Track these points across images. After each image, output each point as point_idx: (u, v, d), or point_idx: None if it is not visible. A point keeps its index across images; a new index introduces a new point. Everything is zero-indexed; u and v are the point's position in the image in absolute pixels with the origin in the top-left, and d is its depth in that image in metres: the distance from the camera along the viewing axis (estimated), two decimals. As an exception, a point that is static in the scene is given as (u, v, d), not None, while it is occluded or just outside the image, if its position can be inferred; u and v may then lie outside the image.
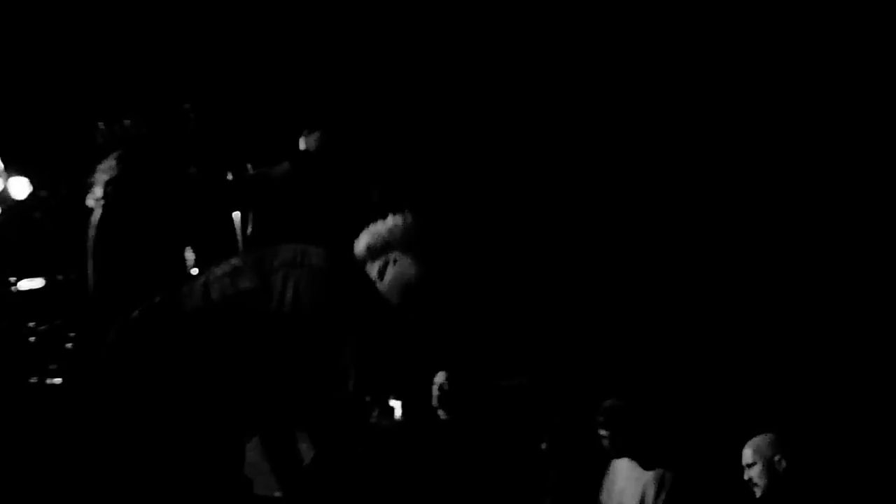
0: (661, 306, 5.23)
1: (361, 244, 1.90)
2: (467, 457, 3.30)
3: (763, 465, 2.68)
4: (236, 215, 2.76)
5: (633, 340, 5.30)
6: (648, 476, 3.05)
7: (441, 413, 3.35)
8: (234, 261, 1.89)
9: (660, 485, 2.97)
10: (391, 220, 1.89)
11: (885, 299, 4.90)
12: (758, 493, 2.69)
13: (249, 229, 2.78)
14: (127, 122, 2.42)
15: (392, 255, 1.86)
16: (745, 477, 2.73)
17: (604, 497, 3.25)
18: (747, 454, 2.74)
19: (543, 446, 3.63)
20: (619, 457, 3.16)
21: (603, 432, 3.14)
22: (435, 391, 3.39)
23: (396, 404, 5.04)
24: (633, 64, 4.93)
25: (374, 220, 1.96)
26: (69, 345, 2.52)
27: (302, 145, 2.63)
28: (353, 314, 1.85)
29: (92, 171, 2.39)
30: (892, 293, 4.88)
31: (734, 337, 5.12)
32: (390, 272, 1.85)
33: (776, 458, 2.68)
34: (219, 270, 1.88)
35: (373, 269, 1.88)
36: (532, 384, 4.84)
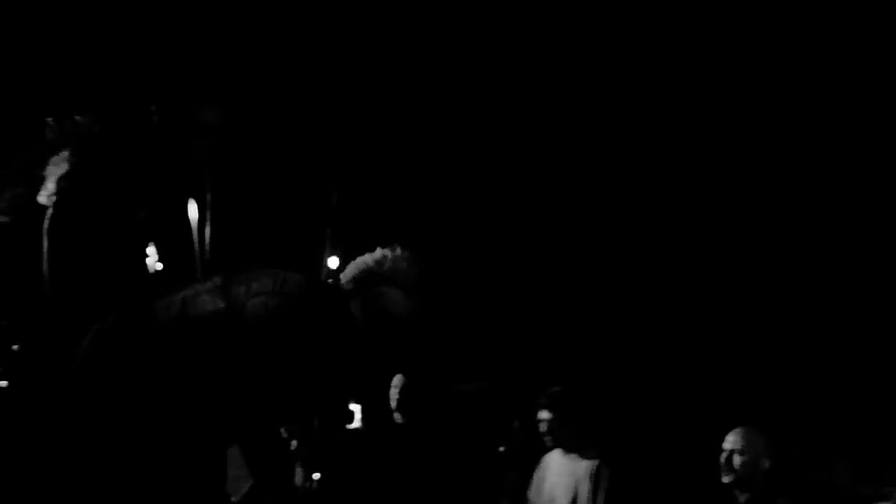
0: (617, 312, 5.30)
1: (348, 274, 1.92)
2: (425, 459, 3.30)
3: (749, 458, 2.70)
4: (193, 215, 2.73)
5: (593, 345, 5.36)
6: (582, 469, 3.04)
7: (397, 416, 3.34)
8: (217, 279, 1.90)
9: (596, 479, 2.96)
10: (379, 253, 1.90)
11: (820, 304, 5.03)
12: (727, 479, 2.73)
13: (207, 230, 2.75)
14: (78, 117, 2.37)
15: (378, 289, 1.86)
16: (722, 458, 2.75)
17: (533, 494, 3.21)
18: (736, 440, 2.76)
19: (502, 449, 3.65)
20: (555, 445, 3.14)
21: (544, 415, 3.12)
22: (393, 394, 3.38)
23: (356, 408, 5.02)
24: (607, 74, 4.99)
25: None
26: (15, 346, 2.46)
27: (202, 119, 2.58)
28: (327, 344, 1.86)
29: (43, 167, 2.34)
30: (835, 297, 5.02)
31: (684, 339, 5.22)
32: (375, 305, 1.86)
33: (764, 457, 2.71)
34: (200, 287, 1.89)
35: (357, 301, 1.89)
36: (493, 388, 4.86)
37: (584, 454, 3.07)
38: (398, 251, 1.90)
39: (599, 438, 3.14)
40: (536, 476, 3.22)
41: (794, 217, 5.21)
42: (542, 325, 5.42)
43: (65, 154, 2.34)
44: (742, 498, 2.70)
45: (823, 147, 5.02)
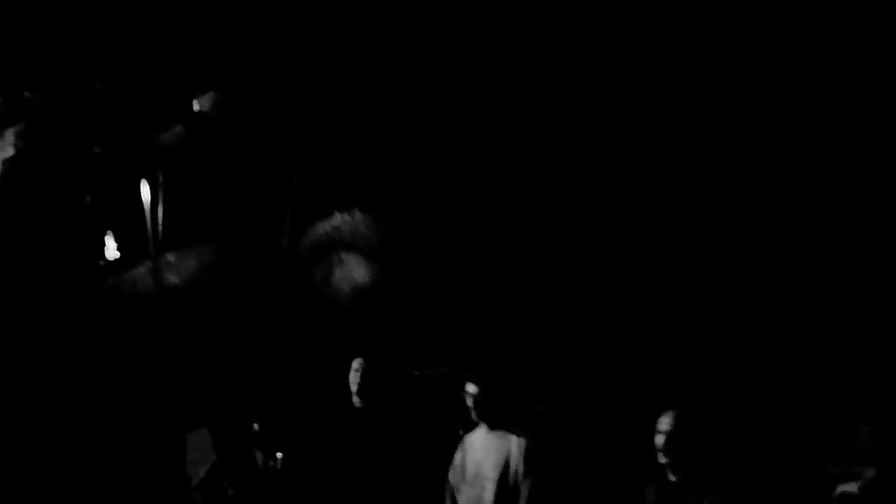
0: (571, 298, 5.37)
1: (305, 243, 1.86)
2: (384, 443, 3.30)
3: (685, 439, 2.71)
4: (146, 197, 2.68)
5: (552, 331, 5.42)
6: (511, 446, 2.99)
7: (356, 400, 3.33)
8: (168, 256, 1.85)
9: (528, 456, 2.94)
10: (336, 218, 1.83)
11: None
12: (664, 460, 2.73)
13: (160, 213, 2.70)
14: (28, 94, 2.29)
15: (338, 256, 1.79)
16: (659, 441, 2.75)
17: (454, 475, 3.14)
18: (672, 422, 2.75)
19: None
20: (481, 419, 3.09)
21: (471, 389, 3.06)
22: (353, 378, 3.37)
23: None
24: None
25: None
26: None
27: (196, 107, 2.52)
28: (282, 322, 1.81)
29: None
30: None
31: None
32: (336, 274, 1.79)
33: (699, 438, 2.73)
34: (149, 265, 1.84)
35: (318, 271, 1.82)
36: (455, 374, 4.88)
37: (511, 431, 3.03)
38: (357, 215, 1.82)
39: (526, 415, 3.13)
40: (458, 456, 3.14)
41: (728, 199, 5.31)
42: (499, 311, 5.45)
43: (10, 137, 2.26)
44: (675, 477, 2.72)
45: (814, 142, 5.12)
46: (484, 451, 3.07)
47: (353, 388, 3.35)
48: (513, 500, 2.93)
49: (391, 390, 3.35)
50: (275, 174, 4.22)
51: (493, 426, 3.08)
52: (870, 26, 4.67)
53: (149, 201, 2.61)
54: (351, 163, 4.79)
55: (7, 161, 2.29)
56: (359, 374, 3.34)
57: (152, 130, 2.40)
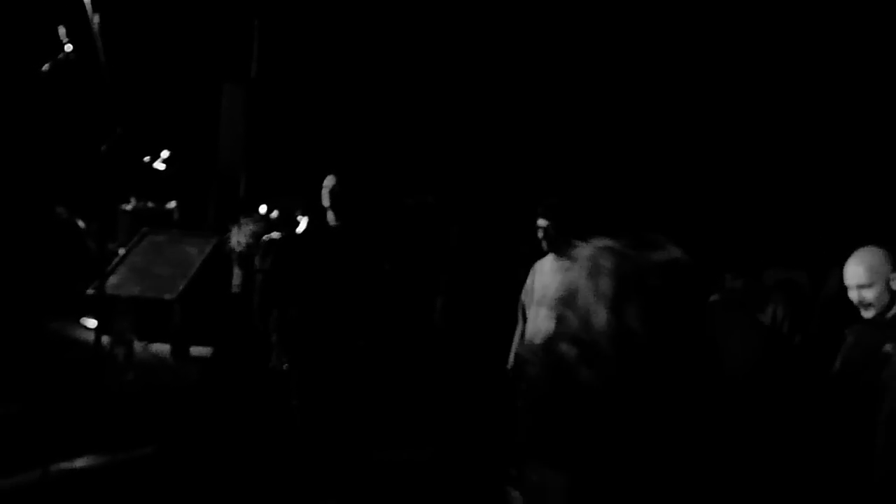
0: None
1: None
2: (356, 262, 3.31)
3: (882, 284, 2.40)
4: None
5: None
6: (575, 266, 3.22)
7: (330, 216, 3.29)
8: None
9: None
10: None
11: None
12: (871, 313, 2.44)
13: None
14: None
15: None
16: (858, 298, 2.44)
17: (525, 294, 3.55)
18: (860, 273, 2.41)
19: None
20: (550, 250, 3.44)
21: (542, 222, 3.41)
22: (324, 195, 3.32)
23: (304, 219, 5.03)
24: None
25: None
26: None
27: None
28: None
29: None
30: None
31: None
32: None
33: (893, 274, 2.39)
34: None
35: None
36: (438, 203, 4.88)
37: (573, 259, 3.29)
38: None
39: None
40: (529, 279, 3.53)
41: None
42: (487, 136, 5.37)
43: None
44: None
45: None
46: (551, 276, 3.41)
47: (326, 201, 3.30)
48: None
49: (363, 207, 3.32)
50: None
51: (560, 255, 3.39)
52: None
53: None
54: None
55: None
56: (332, 189, 3.29)
57: None
